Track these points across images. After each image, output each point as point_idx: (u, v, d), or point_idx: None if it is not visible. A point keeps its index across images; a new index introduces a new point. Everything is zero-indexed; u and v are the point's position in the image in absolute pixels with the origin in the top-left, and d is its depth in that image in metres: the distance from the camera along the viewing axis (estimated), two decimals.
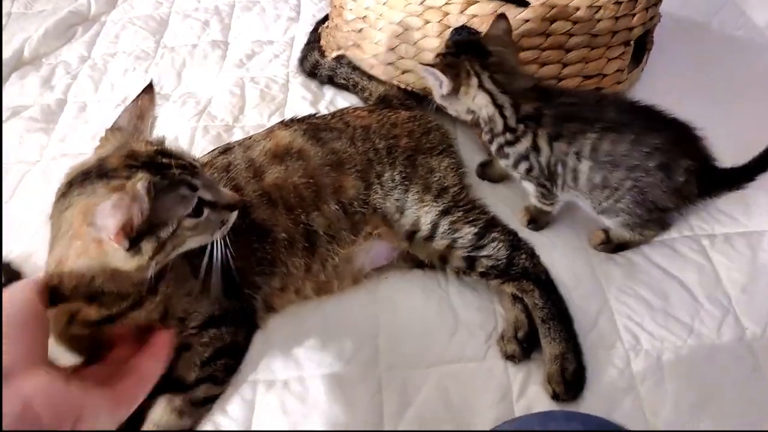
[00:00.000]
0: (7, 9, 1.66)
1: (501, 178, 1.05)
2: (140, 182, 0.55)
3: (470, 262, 0.87)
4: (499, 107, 0.87)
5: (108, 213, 0.53)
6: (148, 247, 0.58)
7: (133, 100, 0.69)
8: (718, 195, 0.89)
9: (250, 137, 1.00)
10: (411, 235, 0.90)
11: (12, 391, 0.43)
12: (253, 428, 0.78)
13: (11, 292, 0.53)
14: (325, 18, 1.38)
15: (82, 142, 1.21)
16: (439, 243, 0.88)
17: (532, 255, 0.88)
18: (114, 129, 0.67)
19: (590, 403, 0.77)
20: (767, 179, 0.86)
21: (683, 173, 0.82)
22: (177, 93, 1.32)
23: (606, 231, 0.93)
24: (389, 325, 0.87)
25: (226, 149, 0.96)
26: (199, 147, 1.15)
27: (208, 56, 1.42)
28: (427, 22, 1.03)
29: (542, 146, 0.86)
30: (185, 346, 0.76)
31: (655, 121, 0.84)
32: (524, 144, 0.87)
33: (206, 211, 0.63)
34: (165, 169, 0.60)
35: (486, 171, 1.06)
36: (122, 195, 0.53)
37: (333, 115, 1.04)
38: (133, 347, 0.60)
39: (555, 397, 0.77)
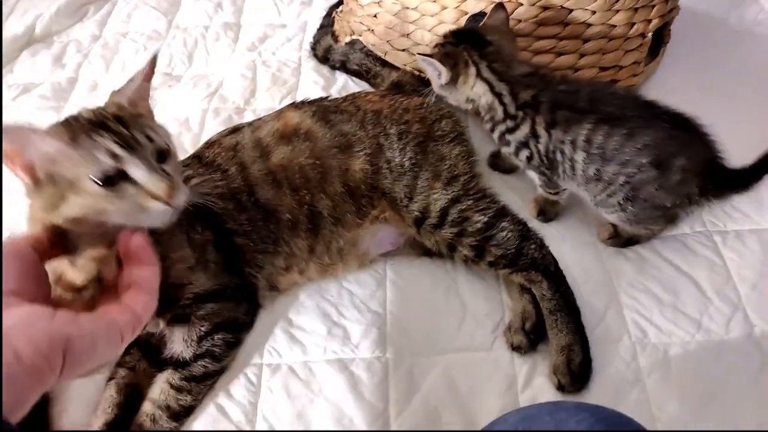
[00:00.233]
0: None
1: (512, 169, 1.04)
2: (52, 128, 0.60)
3: (479, 251, 0.87)
4: (498, 95, 0.88)
5: (27, 148, 0.57)
6: (48, 191, 0.59)
7: (138, 72, 0.70)
8: (724, 196, 0.87)
9: (260, 118, 1.00)
10: (419, 221, 0.89)
11: None
12: (258, 412, 0.78)
13: (6, 242, 0.53)
14: (339, 3, 1.37)
15: None
16: (448, 231, 0.88)
17: (541, 246, 0.88)
18: (116, 92, 0.68)
19: (596, 395, 0.77)
20: None
21: (679, 171, 0.80)
22: (188, 74, 1.32)
23: (614, 225, 0.92)
24: (397, 312, 0.87)
25: (235, 129, 0.96)
26: (209, 129, 1.14)
27: (220, 38, 1.41)
28: (444, 7, 1.02)
29: (540, 133, 0.85)
30: (182, 318, 0.77)
31: (653, 118, 0.82)
32: (523, 131, 0.86)
33: (125, 187, 0.59)
34: (107, 130, 0.61)
35: (497, 162, 1.05)
36: (38, 135, 0.57)
37: (345, 98, 1.04)
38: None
39: (561, 388, 0.77)
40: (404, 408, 0.77)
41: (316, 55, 1.31)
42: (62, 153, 0.58)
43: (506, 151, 0.92)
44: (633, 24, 1.02)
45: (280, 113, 0.99)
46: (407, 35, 1.09)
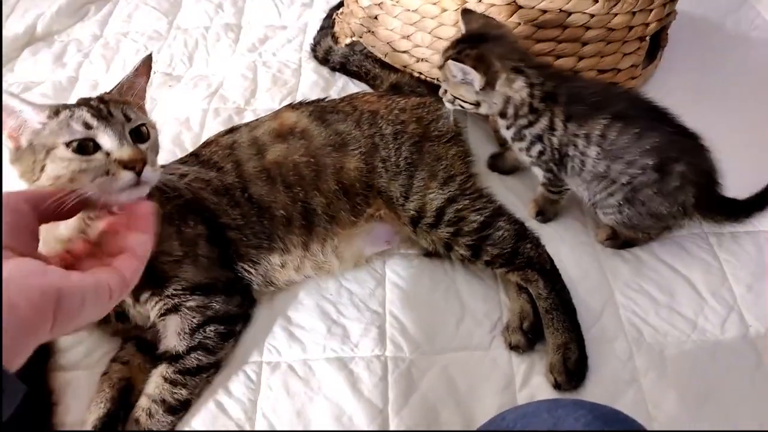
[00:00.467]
0: None
1: (512, 170, 1.05)
2: (41, 104, 0.66)
3: (475, 250, 0.87)
4: (531, 85, 0.86)
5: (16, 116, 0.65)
6: (28, 159, 0.65)
7: (134, 68, 0.75)
8: (716, 219, 0.88)
9: (258, 119, 1.01)
10: (415, 220, 0.90)
11: None
12: (258, 409, 0.78)
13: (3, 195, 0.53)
14: (340, 4, 1.38)
15: None
16: (444, 230, 0.88)
17: (538, 245, 0.89)
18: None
19: (593, 395, 0.77)
20: None
21: (677, 178, 0.81)
22: (189, 75, 1.32)
23: (613, 227, 0.93)
24: (396, 311, 0.88)
25: (233, 129, 0.98)
26: (210, 128, 1.15)
27: (221, 39, 1.42)
28: (444, 10, 1.03)
29: (557, 126, 0.85)
30: (171, 309, 0.78)
31: (660, 122, 0.83)
32: (542, 123, 0.86)
33: (96, 156, 0.63)
34: (86, 106, 0.67)
35: (497, 163, 1.06)
36: (25, 105, 0.64)
37: (342, 99, 1.05)
38: None
39: (557, 386, 0.78)
40: (403, 406, 0.78)
41: (316, 57, 1.32)
42: (43, 123, 0.65)
43: (518, 146, 0.91)
44: (631, 27, 1.04)
45: (277, 113, 1.00)
46: (407, 37, 1.10)
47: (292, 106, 1.03)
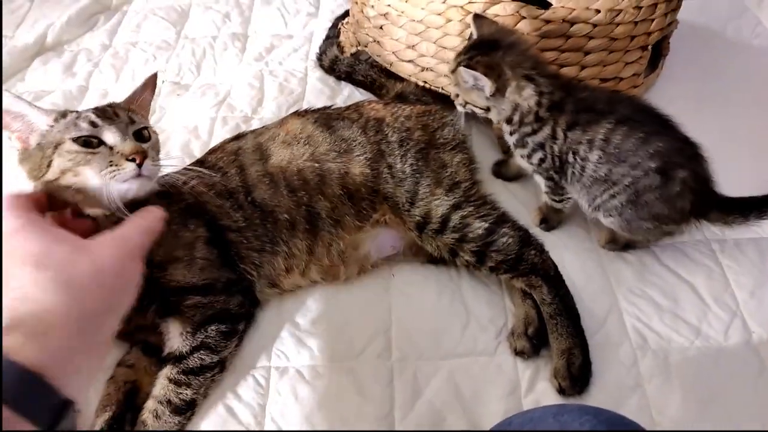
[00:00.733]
0: None
1: (515, 177, 1.06)
2: (51, 110, 0.73)
3: (480, 257, 0.88)
4: (540, 94, 0.86)
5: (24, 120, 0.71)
6: (36, 157, 0.70)
7: (141, 84, 0.84)
8: (711, 221, 0.89)
9: (264, 126, 1.03)
10: (420, 226, 0.91)
11: None
12: (267, 414, 0.79)
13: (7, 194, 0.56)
14: (345, 14, 1.40)
15: None
16: (449, 236, 0.89)
17: (542, 251, 0.90)
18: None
19: (597, 399, 0.78)
20: None
21: (679, 183, 0.82)
22: (197, 84, 1.34)
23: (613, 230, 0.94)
24: (402, 317, 0.89)
25: (239, 136, 1.00)
26: (217, 136, 1.16)
27: (228, 48, 1.44)
28: (449, 20, 1.04)
29: (558, 135, 0.87)
30: (171, 309, 0.79)
31: (663, 127, 0.85)
32: (545, 132, 0.87)
33: (101, 149, 0.70)
34: (93, 110, 0.75)
35: (501, 170, 1.07)
36: (34, 110, 0.71)
37: (348, 107, 1.06)
38: None
39: (561, 391, 0.79)
40: (409, 412, 0.79)
41: (322, 66, 1.33)
42: (51, 125, 0.71)
43: (520, 153, 0.92)
44: (633, 37, 1.05)
45: (283, 120, 1.02)
46: (412, 47, 1.12)
47: (298, 114, 1.04)
